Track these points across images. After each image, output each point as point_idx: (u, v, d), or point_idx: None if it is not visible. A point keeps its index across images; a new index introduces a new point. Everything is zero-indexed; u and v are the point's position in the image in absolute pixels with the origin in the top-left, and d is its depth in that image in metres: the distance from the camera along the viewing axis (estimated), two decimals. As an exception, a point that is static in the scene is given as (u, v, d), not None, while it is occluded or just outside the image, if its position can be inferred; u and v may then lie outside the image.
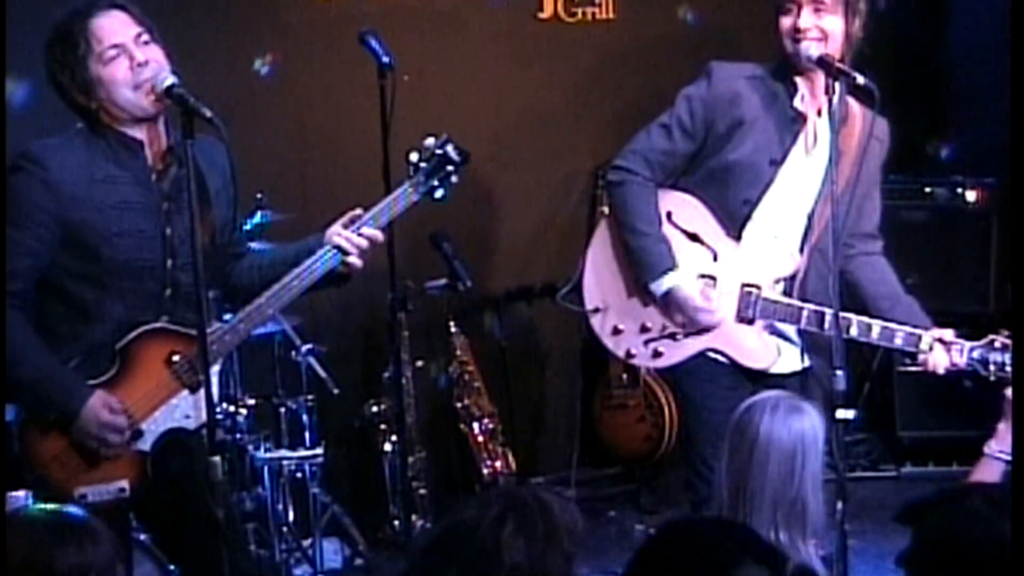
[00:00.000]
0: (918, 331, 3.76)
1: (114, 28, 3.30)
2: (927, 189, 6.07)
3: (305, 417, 5.00)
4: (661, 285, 3.85)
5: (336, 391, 4.90)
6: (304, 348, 4.86)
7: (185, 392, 3.36)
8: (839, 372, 3.49)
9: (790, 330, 3.89)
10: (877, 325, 3.76)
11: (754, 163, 3.82)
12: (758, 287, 3.86)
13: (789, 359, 3.92)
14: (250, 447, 4.87)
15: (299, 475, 4.96)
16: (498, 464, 5.61)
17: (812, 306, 3.81)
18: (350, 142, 5.35)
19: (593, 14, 6.10)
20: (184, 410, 3.36)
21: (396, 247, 4.10)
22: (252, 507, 4.85)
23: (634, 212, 3.88)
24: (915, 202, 6.06)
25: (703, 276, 3.86)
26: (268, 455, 4.86)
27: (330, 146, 5.59)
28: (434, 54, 5.71)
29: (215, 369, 3.33)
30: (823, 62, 3.72)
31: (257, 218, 4.93)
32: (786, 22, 3.79)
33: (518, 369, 6.00)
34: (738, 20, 5.94)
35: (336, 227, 3.50)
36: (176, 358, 3.35)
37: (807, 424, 3.07)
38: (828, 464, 3.26)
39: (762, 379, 3.88)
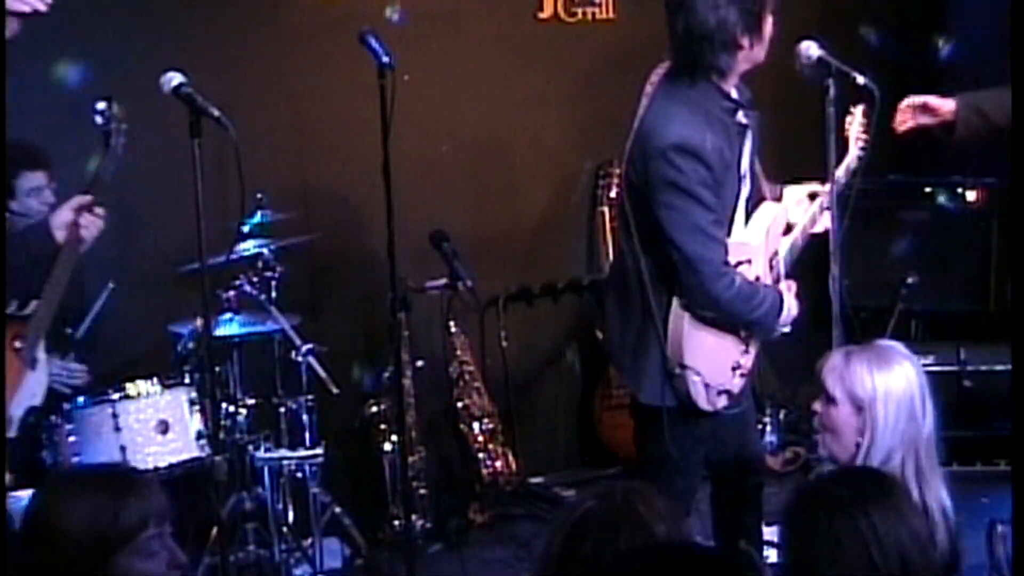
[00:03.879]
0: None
1: None
2: (927, 189, 6.06)
3: (305, 417, 5.00)
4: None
5: (336, 391, 4.89)
6: (304, 348, 4.86)
7: (28, 371, 3.69)
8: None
9: None
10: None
11: (730, 180, 3.77)
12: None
13: None
14: (250, 447, 4.86)
15: (299, 475, 4.96)
16: (498, 464, 5.62)
17: None
18: (350, 142, 5.35)
19: (593, 14, 6.10)
20: (31, 388, 3.70)
21: (396, 247, 4.10)
22: (252, 507, 4.84)
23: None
24: (915, 202, 6.06)
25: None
26: (268, 455, 4.86)
27: (330, 146, 5.58)
28: (434, 54, 5.71)
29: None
30: (823, 62, 3.73)
31: (257, 218, 4.95)
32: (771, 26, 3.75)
33: (518, 369, 6.00)
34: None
35: (66, 212, 3.69)
36: (18, 344, 3.66)
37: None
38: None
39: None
